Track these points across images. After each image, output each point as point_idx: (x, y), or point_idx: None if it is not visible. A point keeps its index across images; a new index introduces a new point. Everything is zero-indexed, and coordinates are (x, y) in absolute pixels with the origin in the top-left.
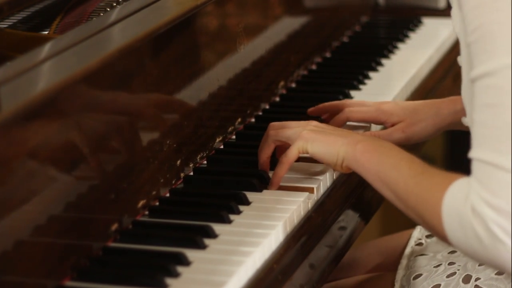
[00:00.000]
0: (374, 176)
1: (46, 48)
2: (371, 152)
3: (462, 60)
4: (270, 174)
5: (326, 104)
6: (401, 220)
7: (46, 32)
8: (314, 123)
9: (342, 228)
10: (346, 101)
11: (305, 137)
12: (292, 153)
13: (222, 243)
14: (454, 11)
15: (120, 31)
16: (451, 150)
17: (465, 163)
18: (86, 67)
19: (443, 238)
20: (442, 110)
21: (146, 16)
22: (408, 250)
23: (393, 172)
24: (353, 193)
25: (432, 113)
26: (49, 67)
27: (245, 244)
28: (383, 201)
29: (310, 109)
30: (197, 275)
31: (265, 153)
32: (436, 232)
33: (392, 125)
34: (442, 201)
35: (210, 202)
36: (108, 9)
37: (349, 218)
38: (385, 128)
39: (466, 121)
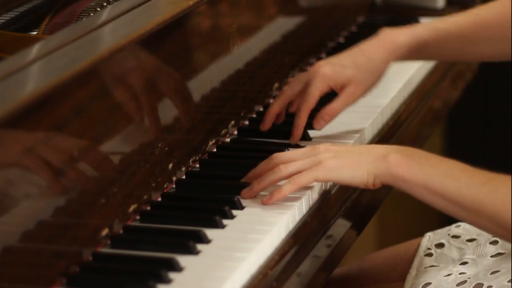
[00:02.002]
0: (420, 188)
1: (35, 49)
2: (409, 164)
3: None
4: None
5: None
6: (398, 231)
7: (35, 33)
8: (322, 148)
9: (339, 232)
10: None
11: (327, 166)
12: (307, 180)
13: (215, 248)
14: None
15: (111, 32)
16: (448, 155)
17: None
18: (76, 68)
19: None
20: (381, 55)
21: (138, 16)
22: (417, 260)
23: (449, 182)
24: (349, 197)
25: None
26: (38, 68)
27: (239, 250)
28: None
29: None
30: (189, 281)
31: (265, 187)
32: None
33: (341, 88)
34: None
35: (202, 206)
36: (99, 9)
37: (346, 222)
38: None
39: None
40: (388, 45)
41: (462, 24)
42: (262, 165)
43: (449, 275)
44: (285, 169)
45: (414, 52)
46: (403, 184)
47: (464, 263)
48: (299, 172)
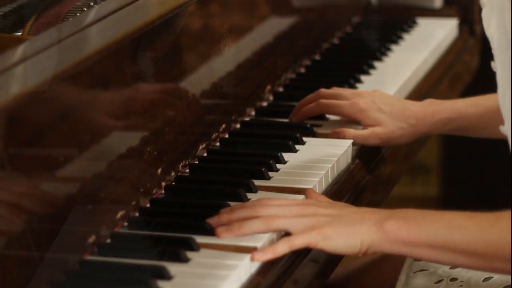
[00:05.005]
0: (425, 248)
1: (20, 50)
2: (407, 227)
3: (497, 66)
4: (256, 182)
5: (302, 102)
6: None
7: (20, 33)
8: (311, 209)
9: None
10: (321, 92)
11: (323, 234)
12: (302, 244)
13: (206, 256)
14: (486, 12)
15: (98, 32)
16: (446, 159)
17: (460, 171)
18: (62, 70)
19: None
20: (419, 122)
21: (126, 16)
22: (406, 265)
23: (457, 234)
24: (347, 200)
25: (409, 123)
26: (23, 70)
27: (230, 258)
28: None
29: (291, 116)
30: None
31: (246, 234)
32: None
33: (366, 125)
34: None
35: (192, 212)
36: (85, 9)
37: None
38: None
39: (504, 129)
40: (428, 117)
41: None
42: (243, 211)
43: (440, 281)
44: (273, 224)
45: (453, 127)
46: (404, 248)
47: (454, 267)
48: (287, 229)
